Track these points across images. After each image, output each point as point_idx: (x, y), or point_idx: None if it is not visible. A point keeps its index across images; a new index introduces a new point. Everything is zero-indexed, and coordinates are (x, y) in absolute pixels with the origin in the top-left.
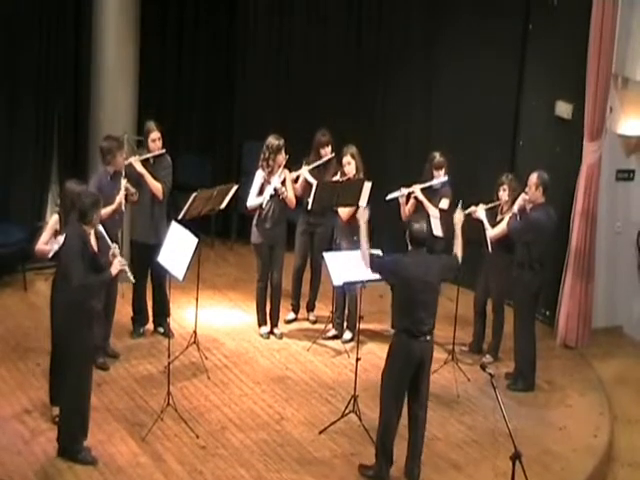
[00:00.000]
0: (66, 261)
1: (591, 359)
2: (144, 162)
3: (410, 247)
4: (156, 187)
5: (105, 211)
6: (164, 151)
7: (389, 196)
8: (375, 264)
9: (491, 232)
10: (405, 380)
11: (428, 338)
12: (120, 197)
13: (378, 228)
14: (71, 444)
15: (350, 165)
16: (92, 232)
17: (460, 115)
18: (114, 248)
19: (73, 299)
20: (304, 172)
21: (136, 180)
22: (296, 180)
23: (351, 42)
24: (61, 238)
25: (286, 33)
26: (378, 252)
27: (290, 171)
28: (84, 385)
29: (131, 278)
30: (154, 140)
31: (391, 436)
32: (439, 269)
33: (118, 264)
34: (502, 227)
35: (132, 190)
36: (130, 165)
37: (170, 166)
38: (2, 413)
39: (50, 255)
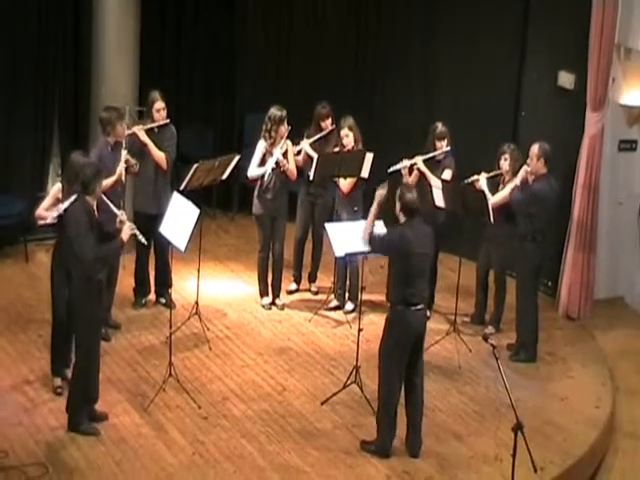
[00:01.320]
0: (75, 236)
1: (593, 330)
2: (148, 132)
3: (404, 218)
4: (160, 157)
5: (106, 182)
6: (168, 121)
7: (391, 168)
8: (375, 243)
9: (492, 199)
10: (406, 352)
11: (423, 306)
12: (120, 168)
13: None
14: (74, 415)
15: (348, 137)
16: (95, 203)
17: (462, 85)
18: (121, 214)
19: (91, 272)
20: (305, 145)
21: (139, 150)
22: (298, 153)
23: (354, 15)
24: (61, 206)
25: (287, 4)
26: (380, 223)
27: (292, 143)
28: (92, 358)
29: (143, 240)
30: (158, 110)
31: (394, 409)
32: (432, 240)
33: (128, 229)
34: (504, 194)
35: (132, 161)
36: (134, 134)
37: (174, 137)
38: (3, 384)
39: (47, 221)
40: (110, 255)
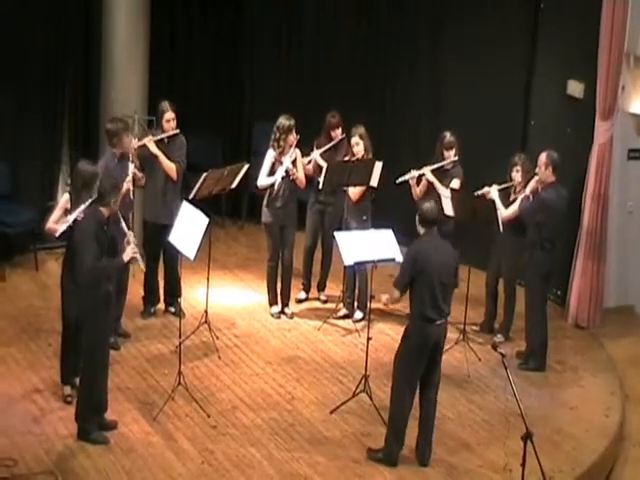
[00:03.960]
0: (80, 243)
1: (602, 339)
2: (158, 142)
3: (422, 229)
4: (170, 167)
5: None
6: (178, 131)
7: (399, 179)
8: (398, 282)
9: (504, 213)
10: (421, 365)
11: (443, 321)
12: (128, 183)
13: (389, 211)
14: (83, 424)
15: (359, 145)
16: (108, 215)
17: (471, 95)
18: (129, 235)
19: (89, 282)
20: (315, 156)
21: (150, 160)
22: (308, 163)
23: (362, 24)
24: (70, 217)
25: (296, 14)
26: (389, 232)
27: (301, 153)
28: (99, 367)
29: (142, 266)
30: (168, 120)
31: (404, 420)
32: (455, 258)
33: (130, 251)
34: (514, 208)
35: (139, 175)
36: (144, 146)
37: (184, 146)
38: (13, 393)
39: (57, 234)
40: (108, 270)
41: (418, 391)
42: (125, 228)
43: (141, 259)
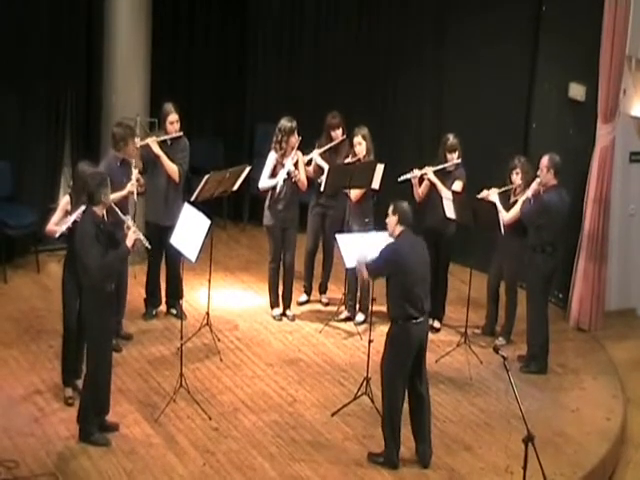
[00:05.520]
0: (81, 245)
1: (604, 342)
2: (160, 143)
3: (400, 228)
4: (172, 169)
5: (113, 197)
6: (181, 134)
7: (401, 178)
8: (372, 270)
9: (506, 216)
10: (409, 364)
11: (424, 319)
12: (132, 187)
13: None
14: (85, 426)
15: (361, 146)
16: (103, 212)
17: (473, 97)
18: (127, 220)
19: (98, 281)
20: (315, 155)
21: (152, 161)
22: (308, 163)
23: (363, 24)
24: (70, 218)
25: (298, 14)
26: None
27: (303, 154)
28: (100, 369)
29: (147, 244)
30: (172, 122)
31: (399, 421)
32: (426, 249)
33: (133, 234)
34: (516, 210)
35: (141, 181)
36: (147, 146)
37: (187, 149)
38: (14, 394)
39: (57, 235)
40: (115, 263)
41: (409, 391)
42: (122, 215)
43: (145, 238)
